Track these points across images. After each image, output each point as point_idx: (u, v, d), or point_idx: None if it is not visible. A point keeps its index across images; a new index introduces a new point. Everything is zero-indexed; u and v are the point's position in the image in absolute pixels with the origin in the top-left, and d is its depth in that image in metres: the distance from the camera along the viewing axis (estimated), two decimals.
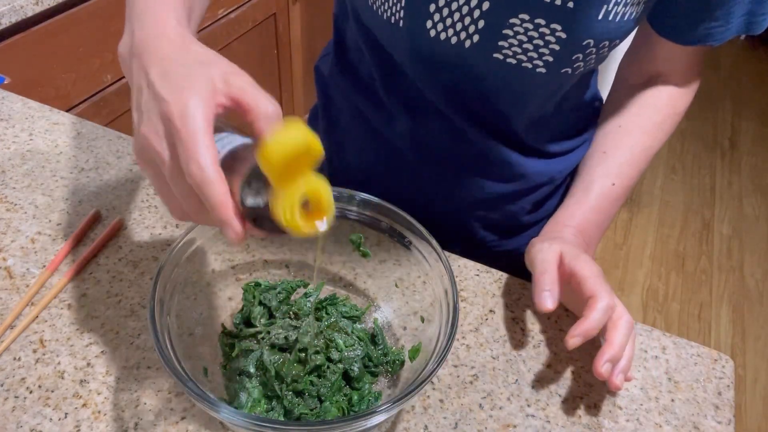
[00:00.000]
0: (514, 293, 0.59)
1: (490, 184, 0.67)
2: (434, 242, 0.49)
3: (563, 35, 0.51)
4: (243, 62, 2.03)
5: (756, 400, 1.69)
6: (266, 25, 1.81)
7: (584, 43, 0.52)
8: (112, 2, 1.24)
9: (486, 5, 0.51)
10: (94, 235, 0.62)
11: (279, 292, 0.54)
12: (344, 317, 0.54)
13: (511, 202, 0.70)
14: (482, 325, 0.56)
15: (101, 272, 0.59)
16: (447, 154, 0.66)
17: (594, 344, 0.55)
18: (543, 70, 0.54)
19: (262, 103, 0.35)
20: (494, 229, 0.73)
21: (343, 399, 0.48)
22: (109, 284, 0.58)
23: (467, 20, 0.52)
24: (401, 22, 0.55)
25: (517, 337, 0.55)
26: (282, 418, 0.46)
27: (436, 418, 0.49)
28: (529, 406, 0.50)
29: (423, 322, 0.52)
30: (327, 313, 0.54)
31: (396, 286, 0.55)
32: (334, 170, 0.76)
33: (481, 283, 0.60)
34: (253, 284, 0.54)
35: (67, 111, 1.11)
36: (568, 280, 0.52)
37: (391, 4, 0.55)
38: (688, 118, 2.80)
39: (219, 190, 0.33)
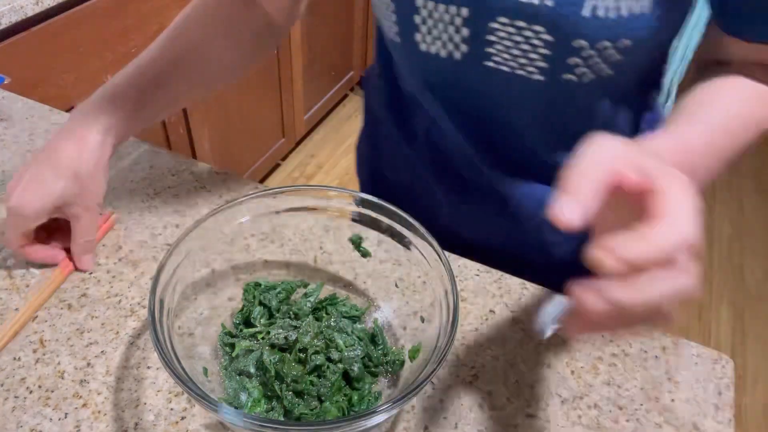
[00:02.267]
0: (514, 293, 0.59)
1: (512, 223, 0.62)
2: (434, 242, 0.49)
3: (549, 38, 0.47)
4: None
5: (756, 400, 1.69)
6: None
7: (576, 46, 0.48)
8: (112, 2, 1.25)
9: (465, 11, 0.49)
10: None
11: (279, 292, 0.54)
12: (344, 317, 0.54)
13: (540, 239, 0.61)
14: (482, 325, 0.56)
15: (101, 272, 0.59)
16: (461, 180, 0.64)
17: (594, 345, 0.55)
18: (540, 78, 0.51)
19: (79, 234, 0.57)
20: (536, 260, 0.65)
21: (343, 399, 0.48)
22: (109, 284, 0.58)
23: (451, 29, 0.51)
24: (398, 36, 0.55)
25: (517, 337, 0.55)
26: (282, 418, 0.46)
27: (436, 418, 0.49)
28: (529, 406, 0.50)
29: (423, 322, 0.52)
30: (327, 313, 0.54)
31: (396, 286, 0.55)
32: (377, 185, 0.77)
33: (481, 283, 0.60)
34: (253, 284, 0.54)
35: (67, 111, 1.11)
36: (634, 195, 0.31)
37: (389, 19, 0.55)
38: None
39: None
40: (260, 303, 0.53)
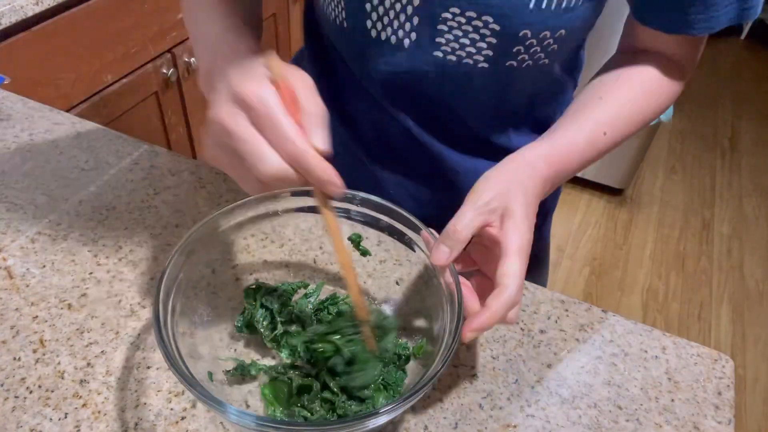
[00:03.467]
0: None
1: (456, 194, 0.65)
2: None
3: (497, 27, 0.51)
4: None
5: (756, 400, 1.69)
6: (266, 25, 1.81)
7: (521, 35, 0.51)
8: (112, 2, 1.25)
9: (416, 1, 0.51)
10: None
11: (280, 295, 0.54)
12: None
13: None
14: None
15: (101, 272, 0.59)
16: (407, 161, 0.65)
17: (594, 345, 0.55)
18: (485, 65, 0.54)
19: (307, 104, 0.40)
20: None
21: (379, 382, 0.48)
22: (109, 284, 0.57)
23: (402, 17, 0.52)
24: (345, 22, 0.56)
25: (517, 337, 0.55)
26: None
27: (436, 418, 0.49)
28: (529, 406, 0.50)
29: (424, 322, 0.52)
30: (329, 313, 0.54)
31: (396, 284, 0.55)
32: None
33: None
34: (253, 287, 0.54)
35: (67, 111, 1.12)
36: (489, 243, 0.46)
37: (335, 5, 0.55)
38: (688, 118, 2.81)
39: (316, 157, 0.38)
40: (262, 305, 0.53)
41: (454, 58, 0.54)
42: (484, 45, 0.52)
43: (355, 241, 0.55)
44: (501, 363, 0.53)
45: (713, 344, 1.83)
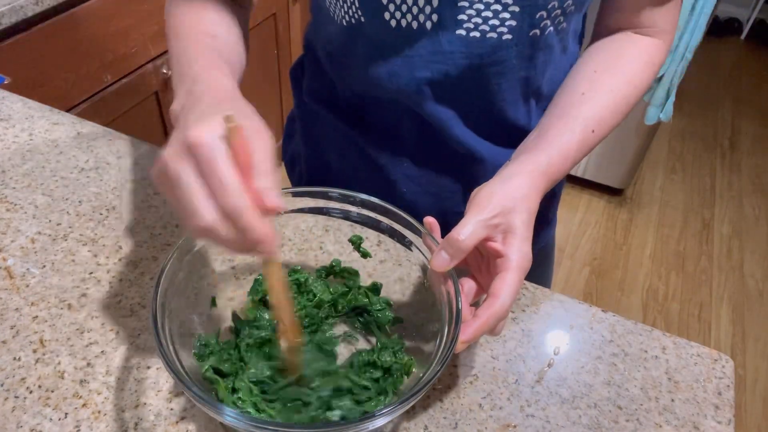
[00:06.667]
0: None
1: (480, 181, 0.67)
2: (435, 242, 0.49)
3: None
4: None
5: (756, 400, 1.69)
6: (266, 25, 1.81)
7: (543, 1, 0.51)
8: (112, 2, 1.25)
9: None
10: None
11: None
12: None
13: None
14: None
15: (101, 272, 0.59)
16: (427, 154, 0.65)
17: (594, 345, 0.55)
18: (509, 36, 0.54)
19: (262, 165, 0.38)
20: None
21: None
22: (109, 284, 0.57)
23: (421, 1, 0.52)
24: (362, 18, 0.55)
25: (517, 337, 0.55)
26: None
27: (436, 418, 0.49)
28: (529, 406, 0.50)
29: (424, 324, 0.52)
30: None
31: (396, 285, 0.55)
32: (311, 168, 0.76)
33: None
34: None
35: (67, 111, 1.12)
36: (488, 254, 0.48)
37: (348, 6, 0.55)
38: (688, 118, 2.81)
39: (253, 215, 0.36)
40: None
41: (477, 34, 0.54)
42: (507, 15, 0.52)
43: (356, 243, 0.55)
44: (501, 363, 0.53)
45: (713, 344, 1.83)
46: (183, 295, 0.48)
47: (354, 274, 0.56)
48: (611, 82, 0.57)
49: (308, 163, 0.76)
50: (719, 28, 3.51)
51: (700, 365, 0.54)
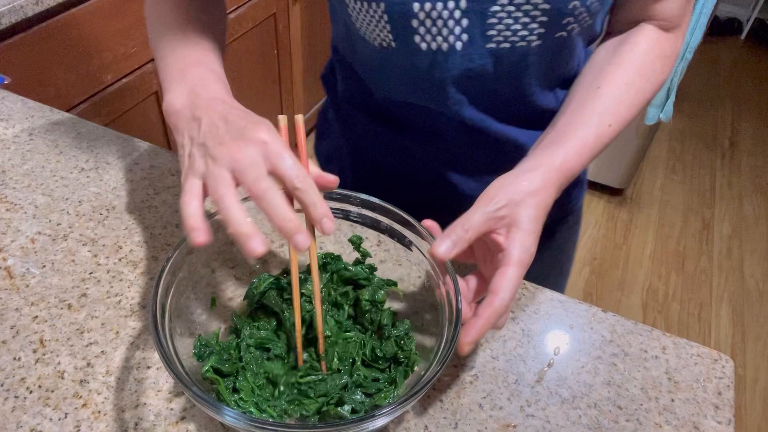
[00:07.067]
0: None
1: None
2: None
3: (546, 6, 0.51)
4: (243, 62, 2.02)
5: (756, 400, 1.69)
6: (266, 25, 1.81)
7: (571, 7, 0.52)
8: (112, 2, 1.25)
9: (464, 3, 0.51)
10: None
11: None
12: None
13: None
14: None
15: (101, 272, 0.59)
16: (473, 149, 0.66)
17: (594, 345, 0.55)
18: (538, 42, 0.55)
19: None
20: None
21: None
22: (109, 284, 0.58)
23: (451, 23, 0.53)
24: (393, 44, 0.56)
25: (517, 337, 0.55)
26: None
27: (436, 418, 0.49)
28: (529, 406, 0.50)
29: (424, 323, 0.52)
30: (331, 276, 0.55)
31: (396, 285, 0.55)
32: (358, 169, 0.76)
33: None
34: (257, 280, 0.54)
35: (67, 111, 1.12)
36: (493, 247, 0.48)
37: (379, 30, 0.55)
38: (688, 118, 2.81)
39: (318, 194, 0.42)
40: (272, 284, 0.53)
41: (507, 45, 0.54)
42: (535, 25, 0.53)
43: (356, 243, 0.55)
44: (501, 363, 0.53)
45: (713, 344, 1.83)
46: (183, 295, 0.48)
47: (336, 258, 0.56)
48: (625, 75, 0.58)
49: (354, 164, 0.76)
50: (719, 28, 3.52)
51: (700, 365, 0.54)
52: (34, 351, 0.52)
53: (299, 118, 0.46)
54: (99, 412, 0.47)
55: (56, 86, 1.19)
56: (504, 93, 0.61)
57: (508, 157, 0.65)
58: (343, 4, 0.56)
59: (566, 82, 0.65)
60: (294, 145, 0.45)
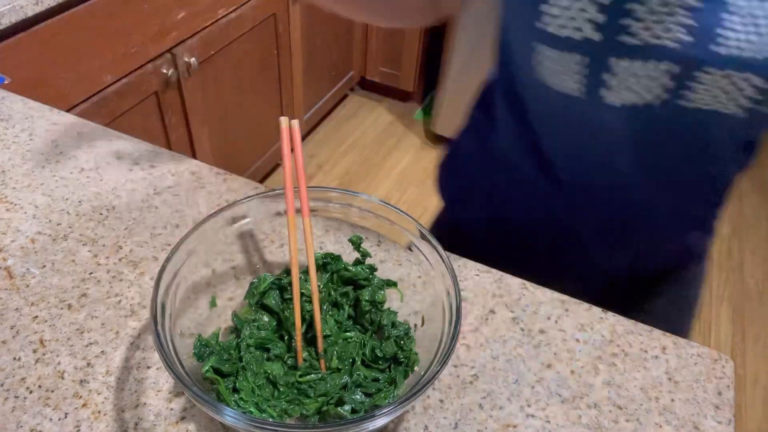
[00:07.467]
0: (514, 293, 0.59)
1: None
2: (435, 242, 0.49)
3: (760, 83, 0.46)
4: (243, 62, 2.02)
5: (756, 400, 1.69)
6: (266, 25, 1.81)
7: None
8: (112, 2, 1.25)
9: (677, 68, 0.47)
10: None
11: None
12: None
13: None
14: (482, 325, 0.56)
15: (101, 272, 0.59)
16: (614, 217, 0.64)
17: (594, 345, 0.55)
18: (742, 114, 0.49)
19: None
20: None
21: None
22: (109, 284, 0.58)
23: (653, 83, 0.49)
24: (578, 92, 0.53)
25: (517, 337, 0.55)
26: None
27: (436, 418, 0.49)
28: (529, 406, 0.50)
29: (424, 323, 0.52)
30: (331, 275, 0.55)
31: (396, 286, 0.55)
32: (492, 219, 0.74)
33: (481, 283, 0.60)
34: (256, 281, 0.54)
35: (67, 111, 1.12)
36: None
37: (574, 78, 0.52)
38: None
39: None
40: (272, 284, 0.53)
41: (704, 107, 0.50)
42: (743, 98, 0.48)
43: (356, 243, 0.55)
44: (501, 363, 0.53)
45: (713, 344, 1.83)
46: (183, 295, 0.48)
47: (336, 258, 0.56)
48: None
49: (487, 213, 0.74)
50: None
51: (700, 365, 0.54)
52: (34, 351, 0.52)
53: (295, 123, 0.46)
54: (99, 412, 0.47)
55: (56, 86, 1.19)
56: (683, 161, 0.57)
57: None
58: None
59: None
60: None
